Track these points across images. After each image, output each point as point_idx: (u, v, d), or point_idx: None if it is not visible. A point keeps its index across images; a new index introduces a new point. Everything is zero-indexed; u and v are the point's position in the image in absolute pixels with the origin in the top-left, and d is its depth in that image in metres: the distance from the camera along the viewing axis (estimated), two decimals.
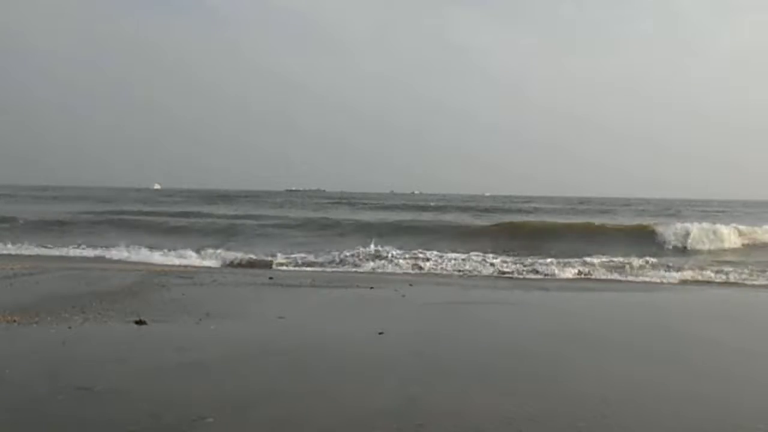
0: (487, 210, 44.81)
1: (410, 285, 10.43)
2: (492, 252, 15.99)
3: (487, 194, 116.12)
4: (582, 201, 64.54)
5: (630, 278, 12.77)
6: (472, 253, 15.24)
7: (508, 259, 14.75)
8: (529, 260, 14.48)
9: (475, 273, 13.29)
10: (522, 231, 23.17)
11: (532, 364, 5.41)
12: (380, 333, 6.39)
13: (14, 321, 6.67)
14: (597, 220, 29.07)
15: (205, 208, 39.97)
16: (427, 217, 35.28)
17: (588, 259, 14.35)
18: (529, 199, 74.48)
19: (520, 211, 44.43)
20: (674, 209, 50.22)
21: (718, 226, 19.78)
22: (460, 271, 13.54)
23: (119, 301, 8.19)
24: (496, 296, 9.77)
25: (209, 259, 15.31)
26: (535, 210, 45.77)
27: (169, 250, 15.86)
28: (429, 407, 4.17)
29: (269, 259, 15.17)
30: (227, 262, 14.98)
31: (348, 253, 15.17)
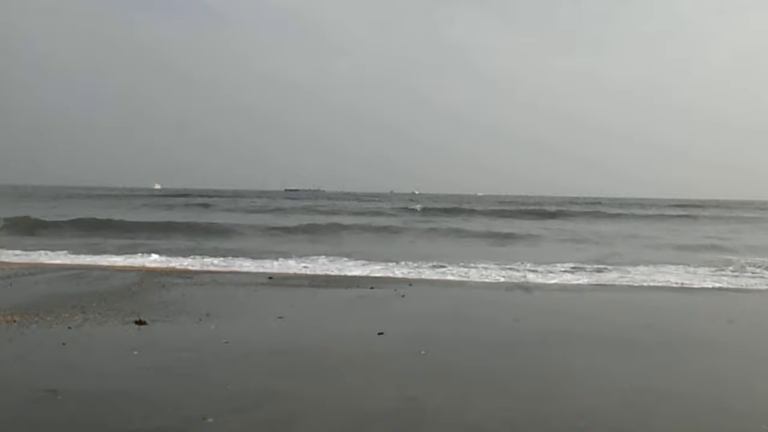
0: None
1: (410, 285, 10.43)
2: None
3: (480, 194, 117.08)
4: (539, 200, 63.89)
5: None
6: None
7: None
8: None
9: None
10: None
11: (532, 364, 5.41)
12: (380, 333, 6.40)
13: (14, 321, 6.67)
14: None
15: None
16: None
17: None
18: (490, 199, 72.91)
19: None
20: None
21: None
22: None
23: (119, 301, 8.19)
24: (496, 297, 9.77)
25: None
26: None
27: None
28: (429, 407, 4.17)
29: None
30: None
31: None
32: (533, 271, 12.90)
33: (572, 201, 70.82)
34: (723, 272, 13.10)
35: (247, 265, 13.11)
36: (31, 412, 3.97)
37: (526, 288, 10.59)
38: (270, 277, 11.12)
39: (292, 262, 13.77)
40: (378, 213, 40.28)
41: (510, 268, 13.19)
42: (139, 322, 6.73)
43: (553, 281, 11.47)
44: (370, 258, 14.65)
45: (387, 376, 4.92)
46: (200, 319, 7.07)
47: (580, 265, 13.62)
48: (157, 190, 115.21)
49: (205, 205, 46.14)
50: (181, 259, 14.10)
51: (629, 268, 13.29)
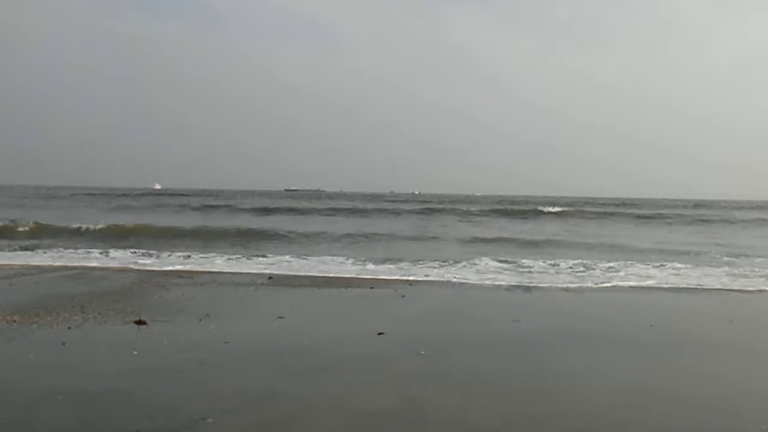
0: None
1: (410, 285, 10.43)
2: None
3: (478, 194, 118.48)
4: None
5: None
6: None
7: None
8: None
9: None
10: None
11: (532, 364, 5.41)
12: (380, 333, 6.40)
13: (14, 321, 6.67)
14: None
15: None
16: None
17: None
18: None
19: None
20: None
21: None
22: None
23: (119, 301, 8.19)
24: (496, 297, 9.78)
25: None
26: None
27: None
28: (429, 407, 4.17)
29: None
30: None
31: None
32: (533, 271, 12.89)
33: (572, 201, 70.84)
34: (723, 272, 13.10)
35: (247, 266, 13.11)
36: (31, 412, 3.97)
37: (526, 288, 10.59)
38: (270, 277, 11.12)
39: (292, 262, 13.77)
40: (385, 212, 40.28)
41: (510, 268, 13.18)
42: (139, 322, 6.73)
43: (553, 281, 11.46)
44: (370, 258, 14.65)
45: (387, 376, 4.92)
46: (200, 319, 7.07)
47: (581, 265, 13.62)
48: (157, 190, 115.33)
49: (207, 206, 46.04)
50: (179, 259, 14.11)
51: (629, 268, 13.28)
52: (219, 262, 13.49)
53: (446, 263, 13.73)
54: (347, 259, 14.33)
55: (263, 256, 14.94)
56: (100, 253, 14.76)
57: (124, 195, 62.37)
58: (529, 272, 12.69)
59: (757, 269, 13.70)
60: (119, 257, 14.16)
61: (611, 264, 13.93)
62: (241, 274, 11.69)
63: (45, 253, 14.74)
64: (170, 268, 12.30)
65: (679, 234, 27.38)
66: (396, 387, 4.59)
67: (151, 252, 14.84)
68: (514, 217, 38.53)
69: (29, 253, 14.72)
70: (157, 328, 6.57)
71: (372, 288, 9.98)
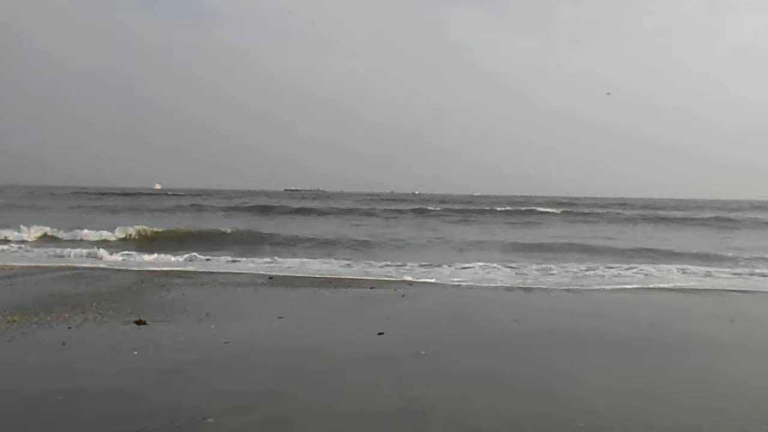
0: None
1: (410, 285, 10.44)
2: None
3: (477, 194, 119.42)
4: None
5: None
6: None
7: None
8: None
9: None
10: None
11: (532, 364, 5.41)
12: (380, 333, 6.40)
13: (14, 321, 6.67)
14: None
15: None
16: None
17: None
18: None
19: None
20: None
21: None
22: None
23: (119, 301, 8.19)
24: (496, 297, 9.77)
25: None
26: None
27: None
28: (429, 407, 4.17)
29: None
30: None
31: None
32: (533, 271, 12.89)
33: (571, 201, 70.84)
34: (724, 272, 13.09)
35: (247, 265, 13.11)
36: (31, 412, 3.97)
37: (526, 288, 10.58)
38: (270, 277, 11.12)
39: (292, 262, 13.77)
40: (385, 212, 40.24)
41: (510, 268, 13.17)
42: (139, 322, 6.73)
43: (553, 281, 11.46)
44: (370, 258, 14.65)
45: (387, 376, 4.92)
46: (200, 319, 7.07)
47: (581, 265, 13.61)
48: (157, 190, 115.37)
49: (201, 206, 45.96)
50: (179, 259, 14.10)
51: (629, 268, 13.27)
52: (219, 262, 13.50)
53: (446, 263, 13.70)
54: (347, 260, 14.33)
55: (263, 256, 14.96)
56: (100, 253, 14.77)
57: (124, 195, 62.38)
58: (529, 272, 12.67)
59: (757, 269, 13.70)
60: (119, 257, 14.17)
61: (611, 264, 13.92)
62: (241, 274, 11.69)
63: (45, 253, 14.77)
64: (170, 268, 12.31)
65: (679, 234, 27.39)
66: (396, 387, 4.59)
67: (151, 252, 14.84)
68: (513, 217, 38.54)
69: (29, 253, 14.74)
70: (157, 328, 6.57)
71: (372, 288, 9.98)
